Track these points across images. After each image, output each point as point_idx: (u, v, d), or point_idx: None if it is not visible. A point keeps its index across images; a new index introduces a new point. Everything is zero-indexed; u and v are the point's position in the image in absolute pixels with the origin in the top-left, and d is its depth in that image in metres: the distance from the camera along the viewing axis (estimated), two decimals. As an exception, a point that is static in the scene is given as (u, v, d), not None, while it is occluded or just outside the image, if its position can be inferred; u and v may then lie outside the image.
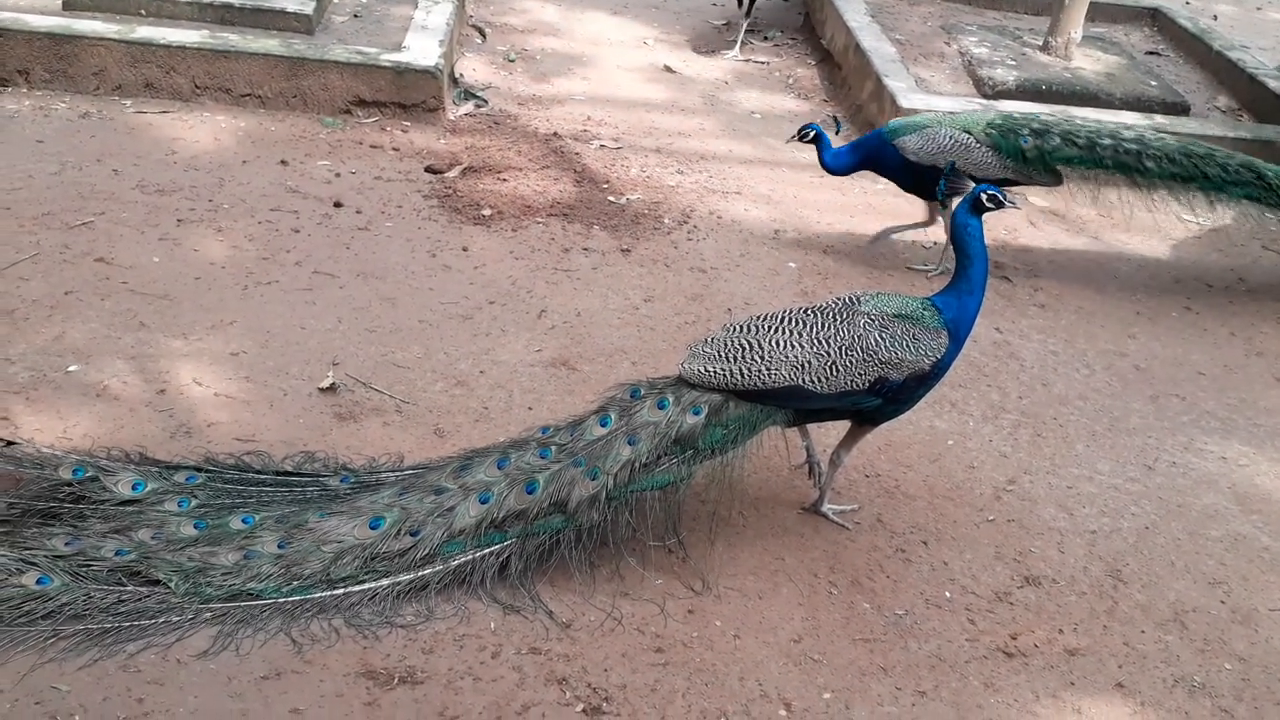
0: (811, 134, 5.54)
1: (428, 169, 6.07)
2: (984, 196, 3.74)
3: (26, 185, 5.38)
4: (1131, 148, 5.54)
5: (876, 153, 5.57)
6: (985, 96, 7.10)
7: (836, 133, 5.86)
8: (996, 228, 6.25)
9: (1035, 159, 5.50)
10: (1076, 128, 5.61)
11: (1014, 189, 5.47)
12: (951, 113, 6.01)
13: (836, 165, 5.63)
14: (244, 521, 3.48)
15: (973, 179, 5.43)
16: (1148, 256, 6.28)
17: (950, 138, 5.48)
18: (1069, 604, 3.85)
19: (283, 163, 5.94)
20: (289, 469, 3.81)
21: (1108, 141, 5.55)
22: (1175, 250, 6.37)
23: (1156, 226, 6.57)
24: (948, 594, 3.82)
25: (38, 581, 3.22)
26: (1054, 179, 5.63)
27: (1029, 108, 6.67)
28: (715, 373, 3.60)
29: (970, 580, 3.89)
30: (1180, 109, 7.24)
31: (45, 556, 3.28)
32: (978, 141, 5.47)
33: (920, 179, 5.56)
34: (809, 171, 6.71)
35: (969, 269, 3.75)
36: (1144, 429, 4.82)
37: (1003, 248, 6.11)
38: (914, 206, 6.08)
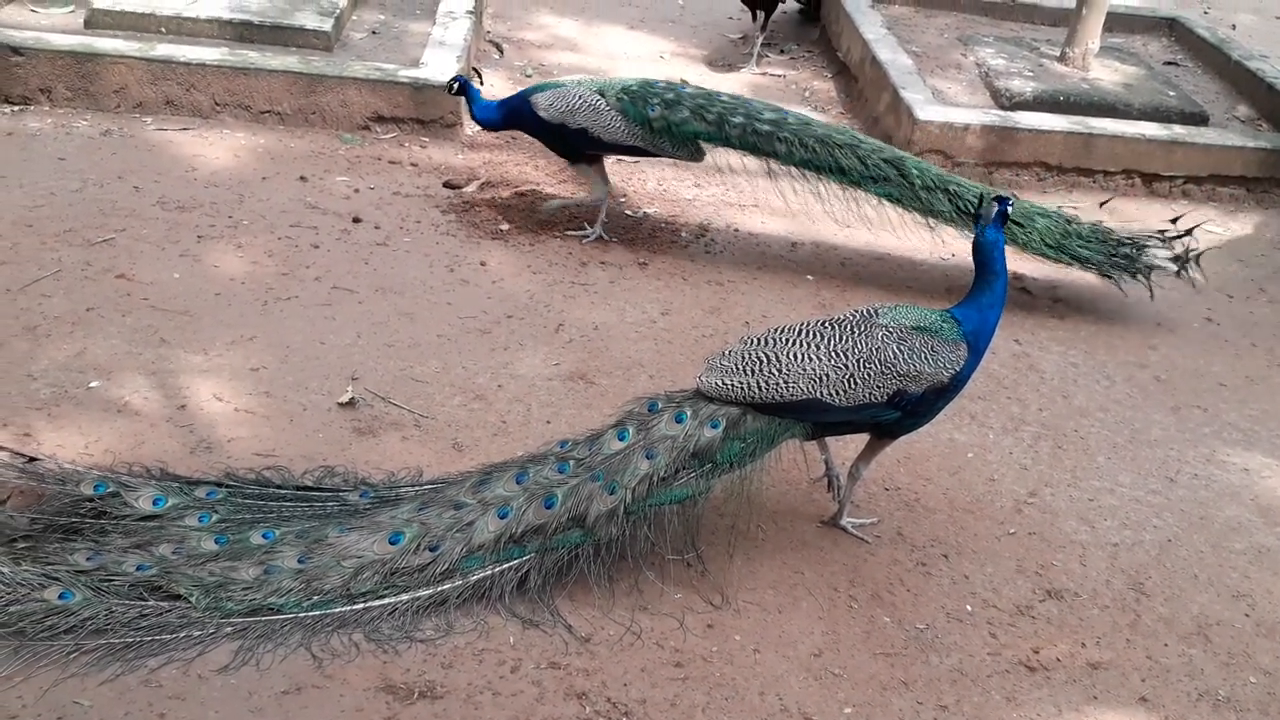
0: (457, 85, 5.62)
1: (446, 184, 6.09)
2: (1008, 210, 3.73)
3: (49, 202, 5.42)
4: (763, 129, 5.41)
5: (517, 111, 5.58)
6: (1002, 108, 7.09)
7: (481, 83, 5.87)
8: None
9: (662, 129, 5.41)
10: (710, 104, 5.47)
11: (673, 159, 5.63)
12: (593, 78, 5.95)
13: (484, 119, 5.66)
14: (264, 536, 3.50)
15: (603, 143, 5.46)
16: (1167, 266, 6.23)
17: (580, 98, 5.44)
18: (1091, 617, 3.83)
19: (302, 179, 5.98)
20: (309, 484, 3.82)
21: (738, 120, 5.42)
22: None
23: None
24: (969, 607, 3.80)
25: (60, 596, 3.24)
26: (690, 153, 5.54)
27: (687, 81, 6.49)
28: (733, 386, 3.59)
29: (991, 594, 3.87)
30: (1199, 119, 7.21)
31: (67, 571, 3.30)
32: (608, 105, 5.41)
33: (556, 138, 5.57)
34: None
35: (993, 282, 3.73)
36: (1165, 441, 4.79)
37: (1021, 259, 6.07)
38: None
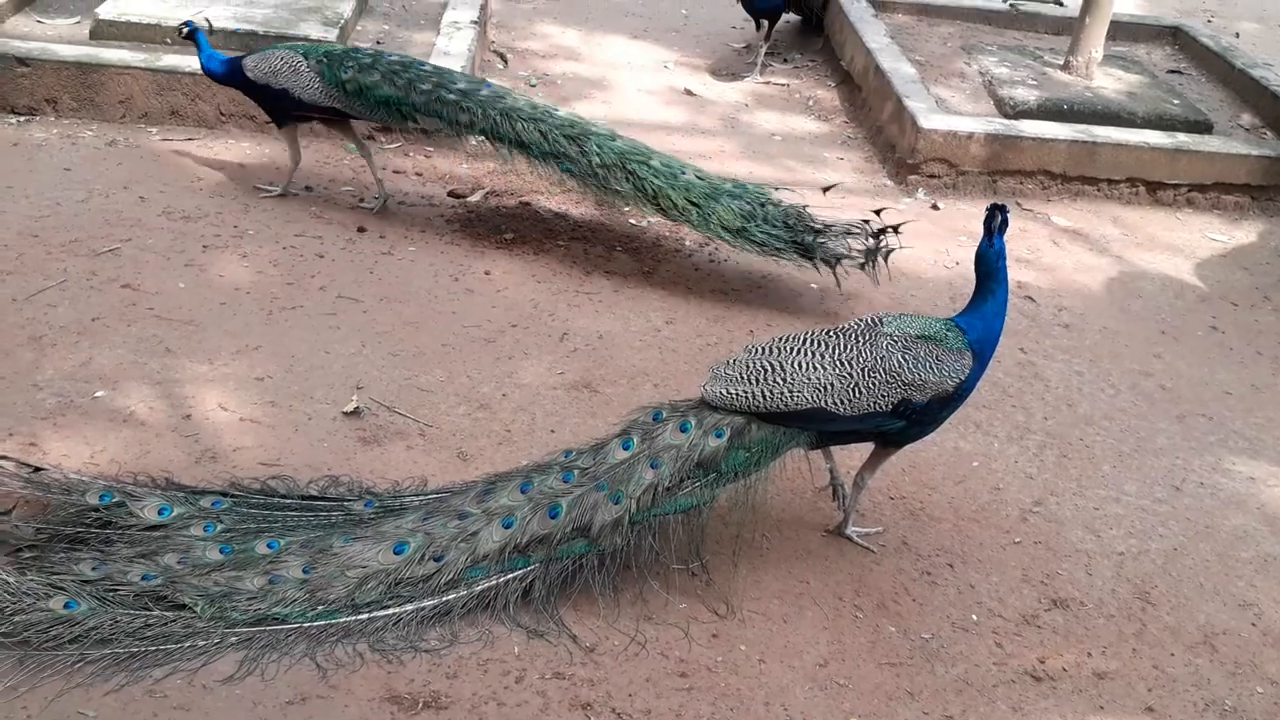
0: (187, 30, 5.66)
1: (450, 193, 6.10)
2: (1001, 217, 3.72)
3: (54, 212, 5.43)
4: (450, 97, 5.47)
5: (233, 70, 5.66)
6: (1006, 116, 7.09)
7: (210, 32, 5.87)
8: (1019, 248, 6.24)
9: (355, 92, 5.47)
10: (405, 70, 5.54)
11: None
12: (309, 40, 6.04)
13: (210, 69, 5.74)
14: (269, 546, 3.50)
15: (304, 104, 5.54)
16: (1172, 275, 6.24)
17: (283, 60, 5.53)
18: (1097, 627, 3.82)
19: (307, 188, 5.99)
20: (314, 493, 3.82)
21: (427, 86, 5.48)
22: (1200, 268, 6.33)
23: (1180, 245, 6.55)
24: (974, 617, 3.79)
25: (65, 606, 3.24)
26: (388, 116, 5.61)
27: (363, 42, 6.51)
28: (737, 395, 3.59)
29: (997, 603, 3.86)
30: (1203, 127, 7.21)
31: (72, 581, 3.30)
32: (308, 68, 5.49)
33: (263, 98, 5.68)
34: (831, 193, 6.71)
35: (996, 291, 3.73)
36: (1171, 449, 4.78)
37: (1025, 268, 6.08)
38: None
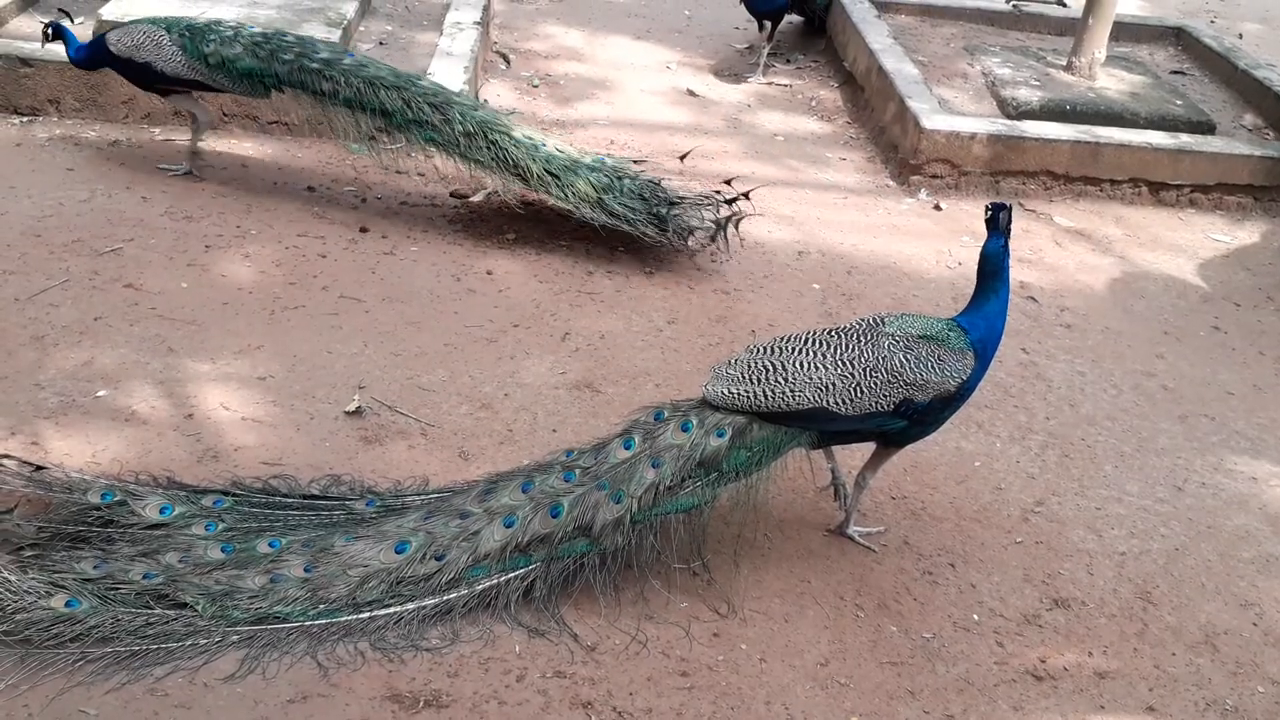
0: (52, 31, 5.67)
1: (452, 194, 6.10)
2: (1001, 215, 3.71)
3: (57, 212, 5.44)
4: (312, 66, 5.49)
5: (99, 49, 5.68)
6: (1009, 117, 7.09)
7: (73, 21, 5.86)
8: (1021, 248, 6.23)
9: (218, 65, 5.50)
10: (266, 41, 5.57)
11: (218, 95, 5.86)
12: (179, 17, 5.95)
13: (77, 59, 5.75)
14: (271, 545, 3.50)
15: (168, 76, 5.57)
16: (1174, 275, 6.24)
17: (145, 34, 5.54)
18: (1098, 626, 3.82)
19: (309, 189, 6.00)
20: (315, 492, 3.83)
21: (289, 56, 5.50)
22: (1202, 269, 6.33)
23: (1183, 246, 6.55)
24: (976, 617, 3.79)
25: (66, 604, 3.24)
26: (252, 88, 5.61)
27: (227, 16, 6.29)
28: (739, 395, 3.59)
29: (998, 603, 3.86)
30: (1206, 128, 7.20)
31: (74, 579, 3.31)
32: (170, 41, 5.51)
33: (129, 72, 5.69)
34: (832, 193, 6.73)
35: (1000, 290, 3.73)
36: (1173, 449, 4.78)
37: (1028, 268, 6.08)
38: (918, 220, 6.06)
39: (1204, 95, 7.94)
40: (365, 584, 3.43)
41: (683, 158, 6.15)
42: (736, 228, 5.69)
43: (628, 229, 5.56)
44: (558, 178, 5.50)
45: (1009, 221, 3.69)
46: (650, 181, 5.69)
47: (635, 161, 5.77)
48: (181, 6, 6.75)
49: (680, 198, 5.67)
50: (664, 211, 5.57)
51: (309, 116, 5.75)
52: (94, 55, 5.72)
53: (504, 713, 3.24)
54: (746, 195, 5.69)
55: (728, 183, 5.72)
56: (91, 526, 3.52)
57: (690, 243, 5.63)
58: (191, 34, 5.55)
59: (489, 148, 5.50)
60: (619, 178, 5.62)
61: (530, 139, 5.61)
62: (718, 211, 5.65)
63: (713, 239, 5.65)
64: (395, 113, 5.50)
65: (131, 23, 5.71)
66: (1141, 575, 4.06)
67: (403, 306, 5.09)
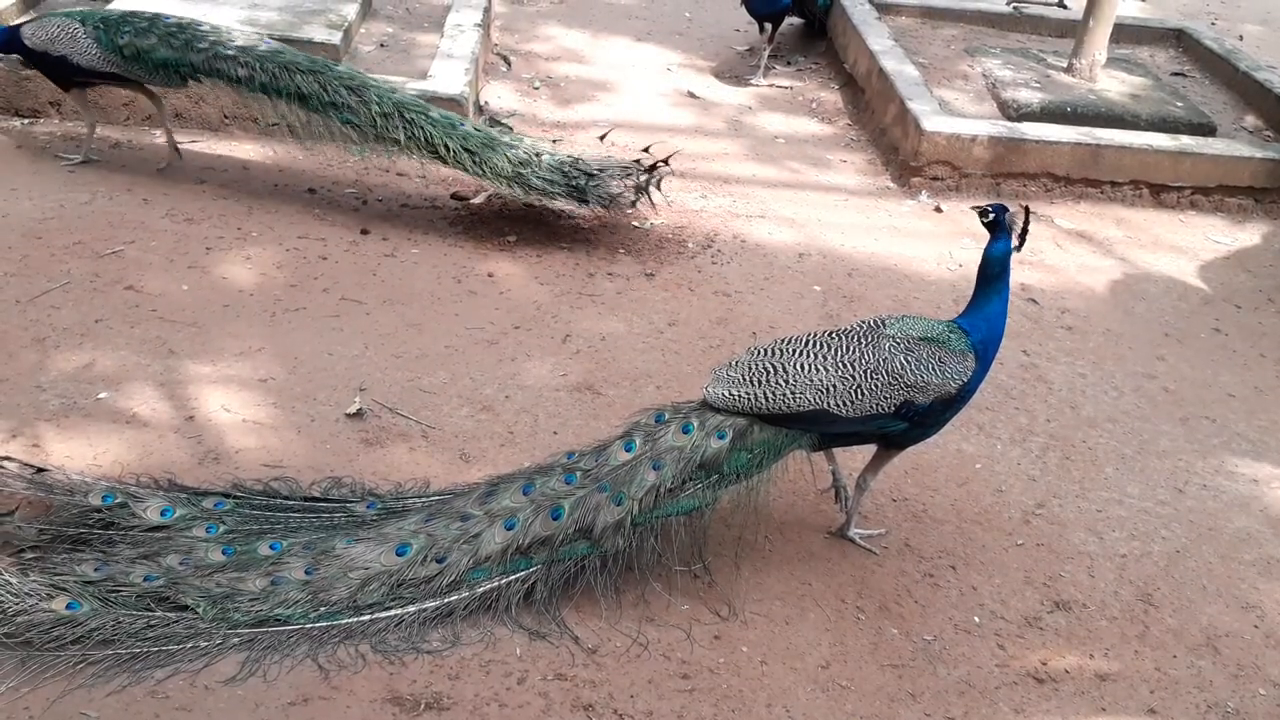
0: None
1: (453, 196, 6.10)
2: (1006, 217, 3.72)
3: (58, 214, 5.45)
4: (227, 53, 5.52)
5: (12, 40, 5.68)
6: (1009, 118, 7.09)
7: None
8: (1022, 250, 6.21)
9: (133, 56, 5.52)
10: (181, 31, 5.58)
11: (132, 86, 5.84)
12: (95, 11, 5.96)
13: None
14: (271, 547, 3.50)
15: (84, 69, 5.58)
16: (1175, 278, 6.23)
17: (60, 27, 5.56)
18: (1100, 629, 3.81)
19: (310, 191, 6.00)
20: (316, 495, 3.83)
21: (204, 45, 5.53)
22: (1203, 271, 6.33)
23: (1184, 247, 6.55)
24: (977, 619, 3.79)
25: (67, 606, 3.24)
26: (168, 79, 5.64)
27: (158, 7, 6.32)
28: (739, 397, 3.59)
29: (999, 605, 3.86)
30: (1206, 130, 7.20)
31: (75, 582, 3.31)
32: (85, 34, 5.52)
33: (44, 66, 5.69)
34: (833, 194, 6.73)
35: (1002, 292, 3.74)
36: (1174, 451, 4.78)
37: (1029, 270, 6.08)
38: (930, 222, 6.05)
39: (1205, 97, 7.94)
40: (366, 586, 3.43)
41: (602, 137, 6.32)
42: (659, 188, 5.83)
43: (547, 202, 5.68)
44: (474, 154, 5.58)
45: (1026, 224, 3.69)
46: (569, 156, 5.80)
47: (644, 149, 5.97)
48: (183, 8, 6.77)
49: (599, 169, 5.76)
50: (582, 183, 5.66)
51: (271, 115, 5.75)
52: (5, 43, 5.72)
53: (505, 715, 3.24)
54: (666, 161, 5.84)
55: (646, 149, 5.92)
56: (92, 529, 3.52)
57: (613, 209, 5.78)
58: (106, 26, 5.55)
59: (405, 127, 5.56)
60: (537, 154, 5.71)
61: (447, 118, 5.66)
62: (638, 178, 5.77)
63: (634, 204, 5.79)
64: (311, 96, 5.54)
65: (46, 16, 5.72)
66: (1143, 577, 4.06)
67: (404, 308, 5.09)
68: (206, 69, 5.55)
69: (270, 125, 5.84)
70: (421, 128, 5.56)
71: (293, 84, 5.53)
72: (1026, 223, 3.69)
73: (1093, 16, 7.53)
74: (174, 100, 6.31)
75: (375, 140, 5.61)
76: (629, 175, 5.79)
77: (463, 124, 5.69)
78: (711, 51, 8.77)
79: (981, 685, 3.54)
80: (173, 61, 5.54)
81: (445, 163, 5.61)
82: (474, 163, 5.57)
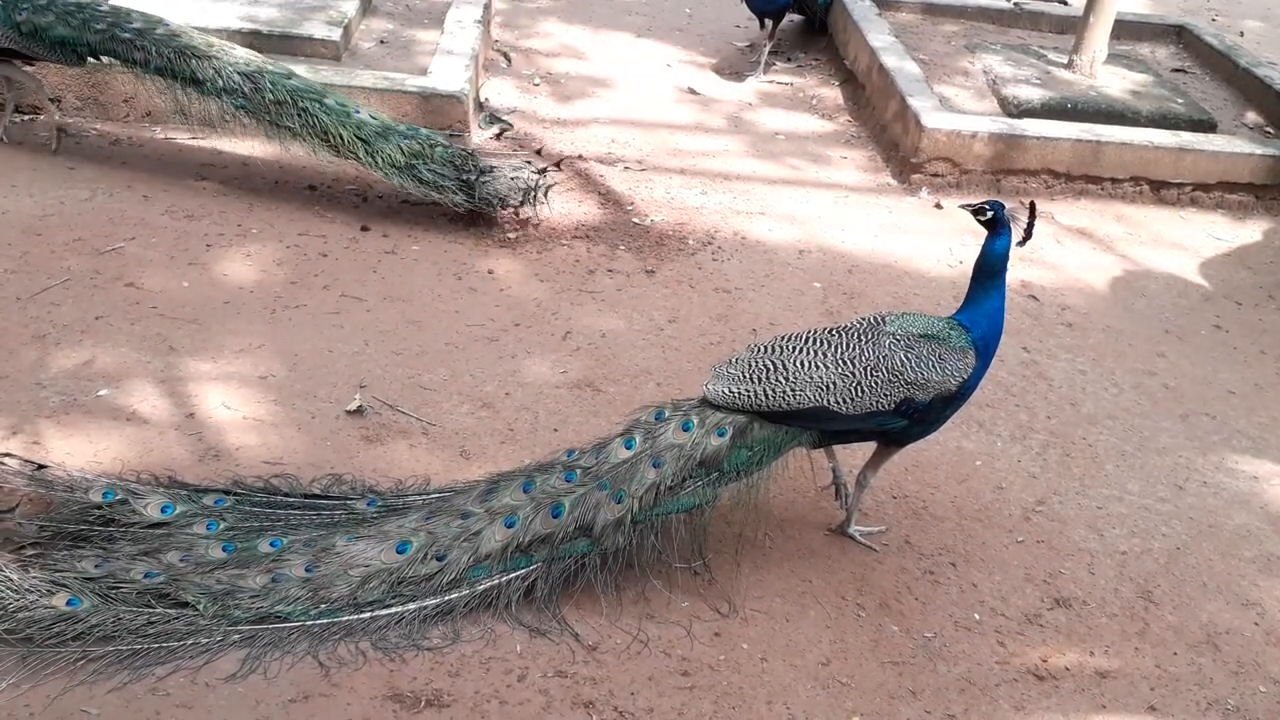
0: None
1: (453, 192, 6.10)
2: (1005, 213, 3.71)
3: (58, 211, 5.44)
4: (125, 36, 5.51)
5: None
6: (1010, 115, 7.08)
7: None
8: (1023, 247, 6.21)
9: (30, 33, 5.52)
10: (79, 10, 5.55)
11: (35, 63, 5.83)
12: None
13: None
14: (272, 544, 3.50)
15: None
16: (1175, 274, 6.23)
17: None
18: (1100, 626, 3.82)
19: (310, 188, 6.00)
20: (316, 492, 3.83)
21: (102, 25, 5.52)
22: (1204, 268, 6.33)
23: (1184, 244, 6.54)
24: (977, 616, 3.79)
25: (68, 603, 3.25)
26: (65, 57, 5.62)
27: None
28: (740, 394, 3.59)
29: (1000, 602, 3.86)
30: (1207, 126, 7.20)
31: (75, 578, 3.31)
32: None
33: None
34: (834, 191, 6.72)
35: (1001, 288, 3.74)
36: (1174, 448, 4.78)
37: (1029, 266, 6.08)
38: (933, 220, 6.05)
39: (1205, 93, 7.94)
40: (366, 584, 3.43)
41: (498, 137, 6.23)
42: (546, 195, 5.80)
43: (438, 196, 5.65)
44: (367, 143, 5.55)
45: (1032, 218, 3.67)
46: (464, 151, 5.78)
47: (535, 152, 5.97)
48: (181, 5, 6.76)
49: (492, 166, 5.75)
50: (473, 179, 5.64)
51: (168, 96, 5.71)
52: None
53: (505, 712, 3.24)
54: (558, 165, 5.87)
55: (538, 153, 5.96)
56: (93, 525, 3.53)
57: (502, 209, 5.77)
58: (5, 3, 5.53)
59: (299, 115, 5.54)
60: (432, 145, 5.67)
61: (342, 106, 5.63)
62: (528, 180, 5.75)
63: (520, 206, 5.78)
64: (206, 81, 5.52)
65: None
66: (1143, 574, 4.06)
67: (404, 305, 5.09)
68: (104, 49, 5.56)
69: (174, 113, 5.77)
70: (315, 116, 5.52)
71: (188, 68, 5.50)
72: (1033, 216, 3.68)
73: (1093, 13, 7.53)
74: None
75: (272, 127, 5.59)
76: (519, 174, 5.74)
77: (357, 112, 5.64)
78: (712, 48, 8.76)
79: (982, 682, 3.54)
80: (70, 40, 5.53)
81: (338, 152, 5.58)
82: (367, 153, 5.54)
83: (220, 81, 5.52)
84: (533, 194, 5.77)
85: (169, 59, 5.51)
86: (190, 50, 5.54)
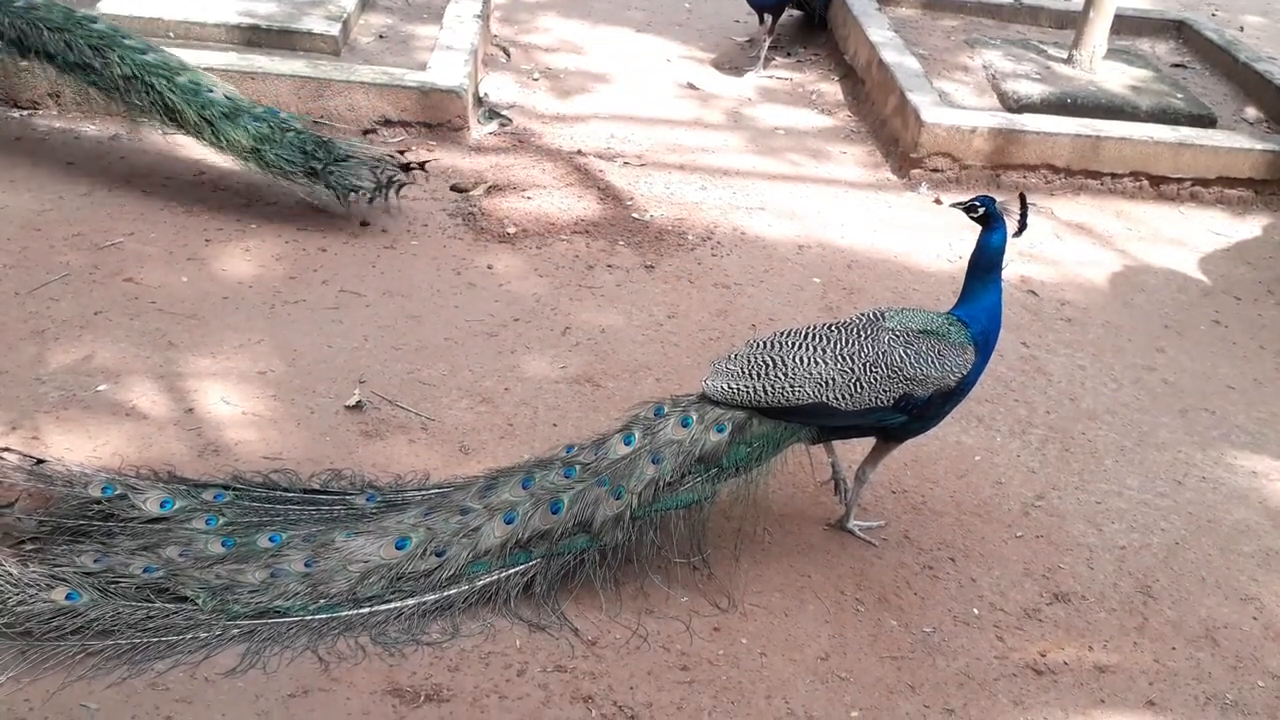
0: None
1: (453, 187, 6.10)
2: (997, 207, 3.71)
3: (57, 206, 5.44)
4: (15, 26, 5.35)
5: None
6: (1010, 109, 7.08)
7: None
8: (1021, 242, 6.19)
9: None
10: None
11: None
12: None
13: None
14: (271, 540, 3.50)
15: None
16: (1175, 270, 6.23)
17: None
18: (1099, 620, 3.82)
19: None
20: (316, 487, 3.83)
21: None
22: (1203, 263, 6.33)
23: (1184, 239, 6.54)
24: (976, 611, 3.80)
25: (67, 597, 3.24)
26: None
27: None
28: (739, 390, 3.59)
29: (999, 597, 3.86)
30: (1207, 121, 7.19)
31: (74, 573, 3.31)
32: None
33: None
34: (833, 186, 6.72)
35: (998, 283, 3.74)
36: (1173, 443, 4.78)
37: (1028, 262, 6.08)
38: (928, 215, 6.05)
39: (1205, 88, 7.93)
40: (366, 579, 3.43)
41: (410, 169, 5.80)
42: (398, 193, 5.67)
43: (284, 182, 5.54)
44: (212, 124, 5.39)
45: (1024, 211, 3.67)
46: (316, 137, 5.57)
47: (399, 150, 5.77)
48: (179, 1, 6.76)
49: (348, 155, 5.56)
50: (319, 167, 5.46)
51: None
52: None
53: (504, 707, 3.25)
54: (422, 166, 5.71)
55: (401, 152, 5.76)
56: (92, 520, 3.52)
57: (353, 200, 5.59)
58: None
59: (147, 92, 5.37)
60: (284, 130, 5.50)
61: (195, 84, 5.45)
62: (383, 174, 5.57)
63: (371, 200, 5.61)
64: (58, 55, 5.36)
65: None
66: (1142, 569, 4.07)
67: (403, 301, 5.09)
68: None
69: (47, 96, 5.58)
70: (161, 93, 5.35)
71: (40, 42, 5.34)
72: (1025, 207, 3.68)
73: (1093, 8, 7.52)
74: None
75: (123, 105, 5.44)
76: (378, 168, 5.59)
77: (210, 91, 5.47)
78: (711, 43, 8.76)
79: (980, 677, 3.54)
80: None
81: (185, 130, 5.43)
82: (213, 133, 5.39)
83: (71, 56, 5.34)
84: (384, 190, 5.60)
85: (23, 32, 5.34)
86: (44, 22, 5.37)
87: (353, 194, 5.57)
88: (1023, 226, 3.68)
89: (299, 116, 5.77)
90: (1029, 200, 3.73)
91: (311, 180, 5.52)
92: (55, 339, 4.54)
